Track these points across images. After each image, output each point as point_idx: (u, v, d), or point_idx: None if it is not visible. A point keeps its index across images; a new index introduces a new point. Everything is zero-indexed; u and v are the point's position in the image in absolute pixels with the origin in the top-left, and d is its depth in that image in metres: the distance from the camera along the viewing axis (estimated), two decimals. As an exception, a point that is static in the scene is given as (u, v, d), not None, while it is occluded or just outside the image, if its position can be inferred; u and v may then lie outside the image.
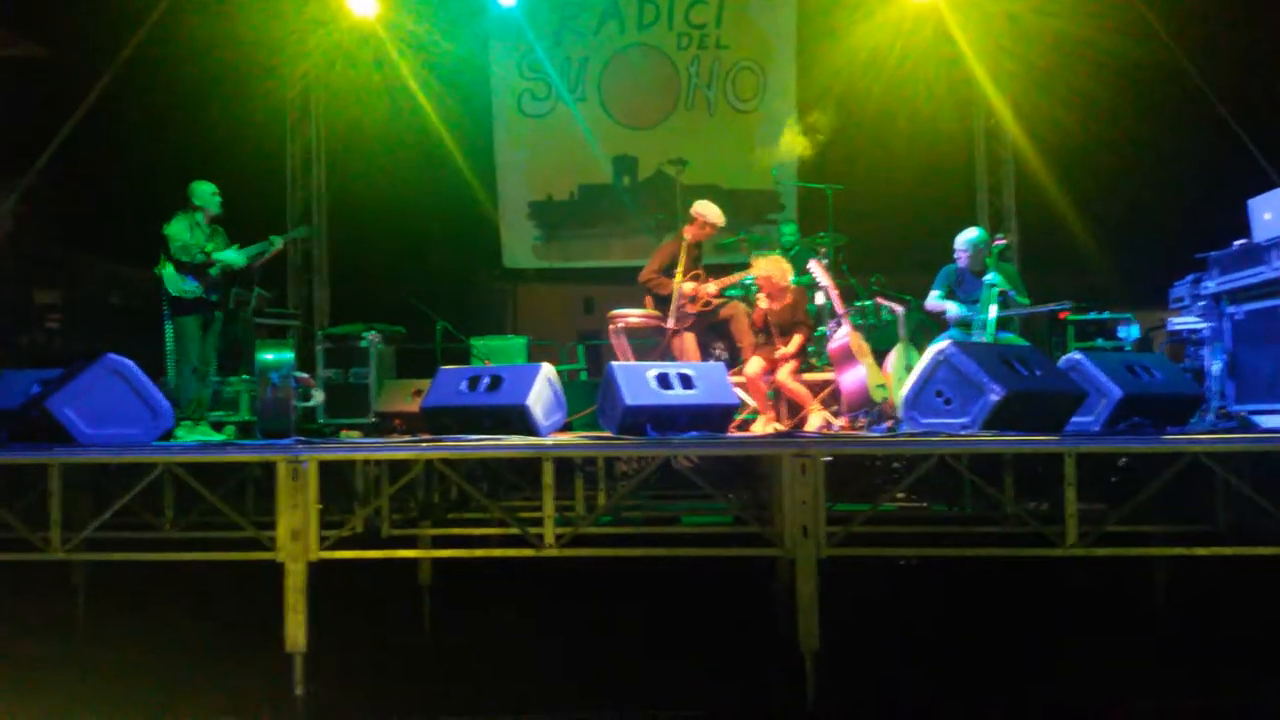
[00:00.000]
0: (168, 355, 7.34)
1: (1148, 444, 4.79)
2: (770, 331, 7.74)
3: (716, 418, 5.47)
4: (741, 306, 7.98)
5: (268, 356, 7.75)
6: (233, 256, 7.43)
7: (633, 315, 8.01)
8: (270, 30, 11.35)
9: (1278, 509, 4.57)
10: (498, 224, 12.44)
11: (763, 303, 7.69)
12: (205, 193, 7.54)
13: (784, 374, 7.54)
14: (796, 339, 7.70)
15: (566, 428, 6.26)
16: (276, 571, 4.55)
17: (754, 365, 7.52)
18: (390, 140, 11.41)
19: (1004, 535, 5.11)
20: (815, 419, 7.48)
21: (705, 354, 7.98)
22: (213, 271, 7.36)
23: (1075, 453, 4.51)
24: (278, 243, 7.65)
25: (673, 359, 7.71)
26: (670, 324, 7.79)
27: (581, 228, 12.46)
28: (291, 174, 11.88)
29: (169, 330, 7.37)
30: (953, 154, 11.44)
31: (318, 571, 4.58)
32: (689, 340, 7.90)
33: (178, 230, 7.37)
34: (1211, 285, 7.08)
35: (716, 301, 7.88)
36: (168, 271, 7.32)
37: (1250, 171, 9.04)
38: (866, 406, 7.17)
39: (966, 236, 7.73)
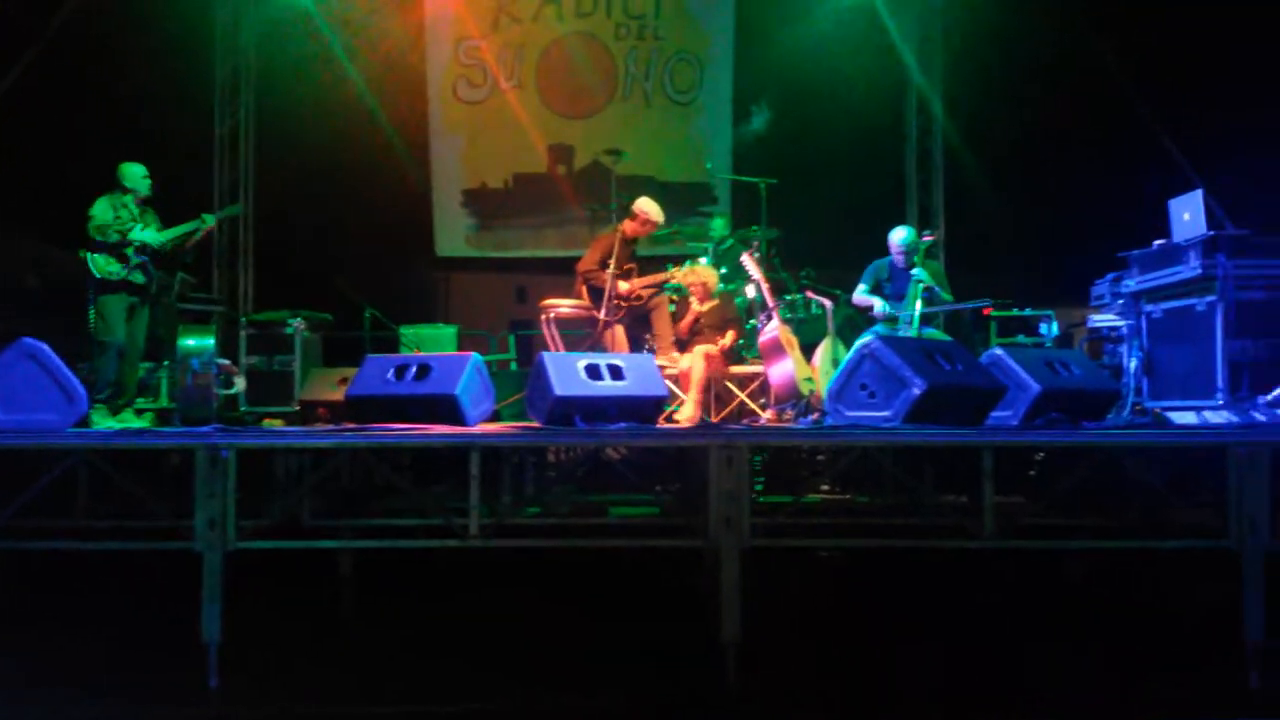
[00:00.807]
0: (92, 337, 7.16)
1: (1064, 438, 4.89)
2: (700, 331, 7.86)
3: (646, 409, 5.48)
4: (664, 299, 8.02)
5: (189, 342, 7.63)
6: (149, 236, 7.26)
7: (564, 305, 7.99)
8: (199, 7, 11.15)
9: (1187, 503, 4.70)
10: (431, 211, 12.33)
11: (695, 305, 7.81)
12: (135, 175, 7.39)
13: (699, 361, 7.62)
14: (730, 334, 7.87)
15: (495, 417, 6.23)
16: (195, 561, 4.48)
17: (698, 358, 7.54)
18: (321, 124, 11.26)
19: (924, 527, 5.18)
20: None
21: (635, 346, 7.99)
22: (128, 251, 7.19)
23: (993, 446, 4.59)
24: (210, 221, 7.52)
25: (603, 350, 7.71)
26: (602, 315, 7.78)
27: (516, 217, 12.40)
28: (219, 154, 11.67)
29: (91, 312, 7.21)
30: (885, 150, 11.61)
31: (236, 561, 4.51)
32: (619, 332, 7.90)
33: (99, 210, 7.23)
34: (1131, 284, 7.25)
35: (646, 294, 7.93)
36: (91, 254, 7.16)
37: (1172, 172, 9.26)
38: (794, 399, 7.24)
39: (897, 236, 7.88)
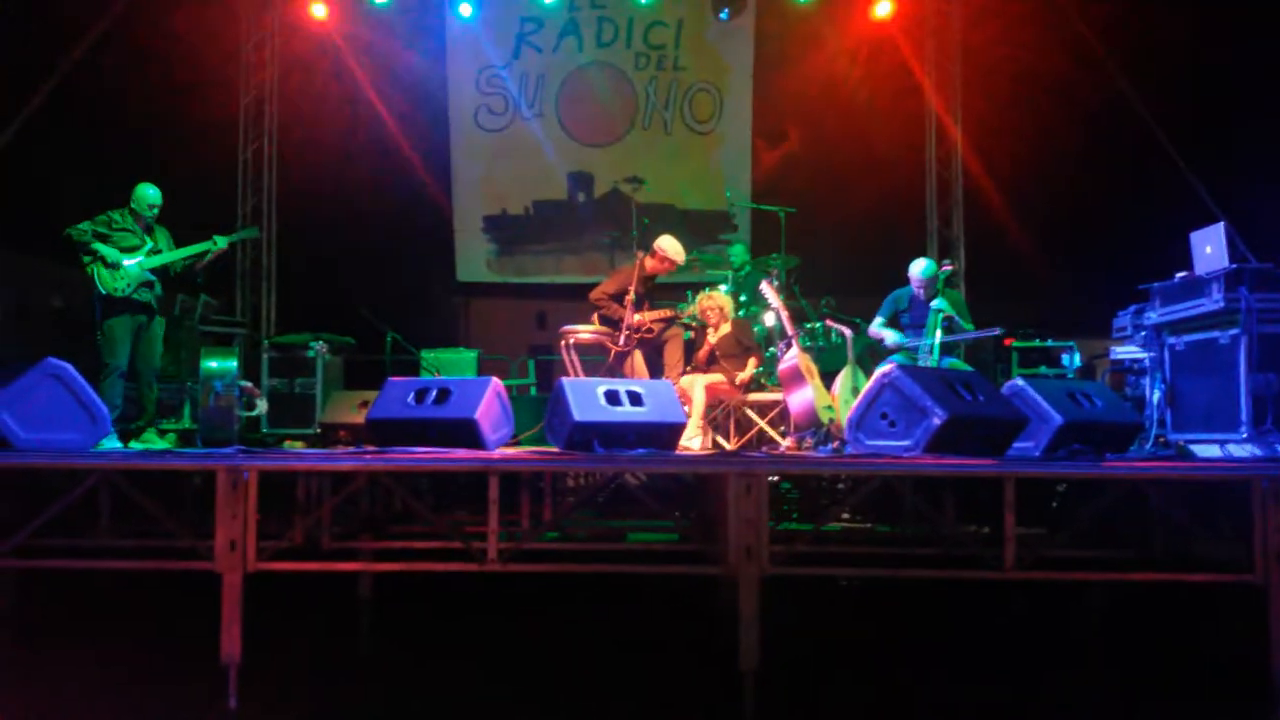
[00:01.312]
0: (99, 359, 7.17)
1: (1087, 470, 4.85)
2: (714, 359, 7.87)
3: (665, 435, 5.46)
4: (677, 331, 8.06)
5: (211, 364, 7.60)
6: (109, 253, 7.17)
7: (583, 331, 8.02)
8: (226, 37, 11.31)
9: (1212, 537, 4.66)
10: (452, 237, 12.41)
11: (712, 336, 7.85)
12: (146, 198, 7.35)
13: (700, 390, 7.60)
14: (752, 360, 7.89)
15: (514, 442, 6.24)
16: (214, 582, 4.49)
17: (697, 387, 7.57)
18: (345, 150, 11.37)
19: (944, 557, 5.15)
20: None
21: (654, 373, 8.01)
22: (125, 271, 7.17)
23: (1015, 477, 4.56)
24: (222, 244, 7.50)
25: (623, 377, 7.73)
26: (620, 344, 7.81)
27: (536, 243, 12.48)
28: (243, 180, 11.78)
29: (99, 335, 7.23)
30: (905, 180, 11.63)
31: (256, 583, 4.52)
32: (638, 359, 7.94)
33: (98, 218, 7.24)
34: (1153, 316, 7.21)
35: (658, 327, 7.98)
36: (97, 269, 7.18)
37: (1194, 205, 9.24)
38: (814, 427, 7.22)
39: (917, 269, 7.88)
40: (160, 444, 7.20)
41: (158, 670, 4.85)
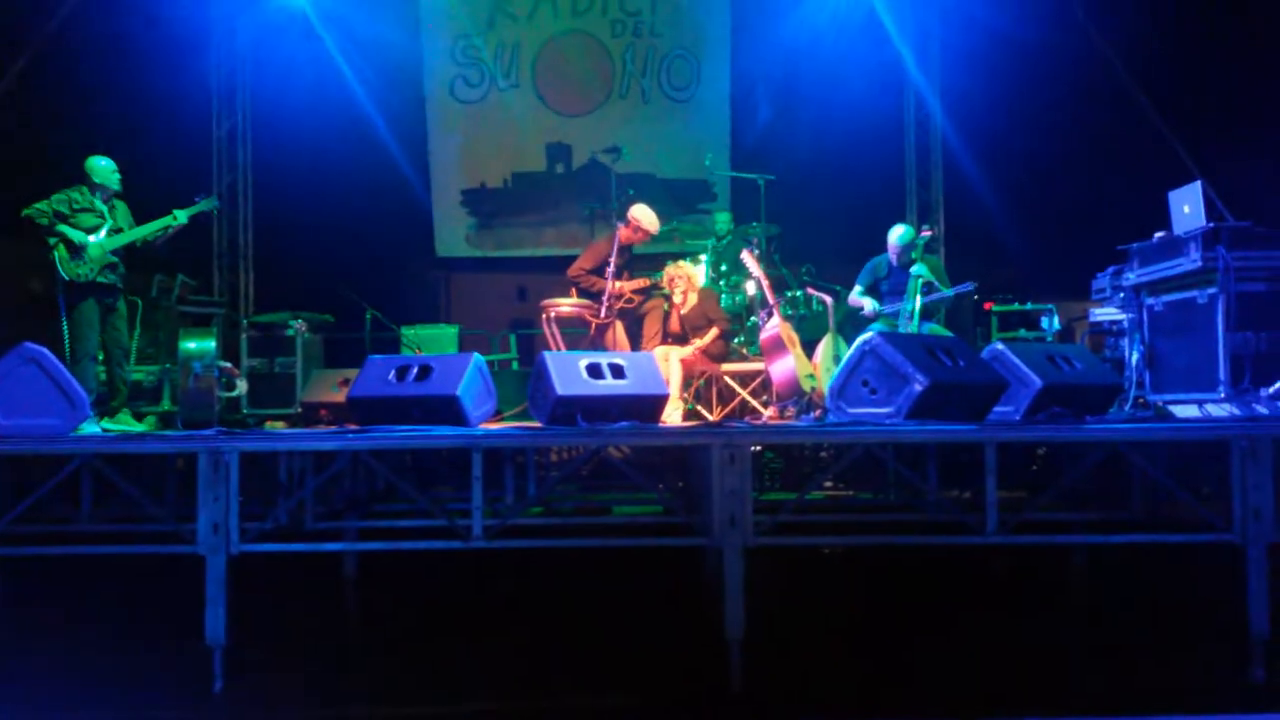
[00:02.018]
0: (65, 344, 7.03)
1: (1067, 433, 4.88)
2: (684, 330, 7.85)
3: (648, 408, 5.46)
4: (658, 302, 8.06)
5: (190, 345, 7.59)
6: (75, 235, 7.05)
7: (564, 305, 7.99)
8: (195, 10, 11.14)
9: (1191, 496, 4.69)
10: (430, 211, 12.34)
11: (679, 299, 7.81)
12: (104, 169, 7.19)
13: (676, 364, 7.60)
14: (713, 331, 7.83)
15: (497, 418, 6.23)
16: (198, 565, 4.48)
17: (672, 362, 7.57)
18: (320, 124, 11.25)
19: (927, 523, 5.19)
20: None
21: (635, 345, 8.00)
22: (88, 254, 7.05)
23: (996, 442, 4.58)
24: (182, 218, 7.30)
25: (604, 349, 7.72)
26: (601, 315, 7.79)
27: (515, 216, 12.42)
28: (217, 155, 11.67)
29: (64, 319, 7.07)
30: (884, 146, 11.59)
31: (240, 565, 4.51)
32: (620, 331, 7.93)
33: (49, 200, 7.10)
34: (1132, 277, 7.24)
35: (639, 298, 7.96)
36: (58, 253, 7.04)
37: (1172, 164, 9.26)
38: (796, 396, 7.23)
39: (895, 235, 7.88)
40: (135, 425, 7.12)
41: (142, 654, 4.85)
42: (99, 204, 7.17)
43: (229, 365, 8.25)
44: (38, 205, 7.03)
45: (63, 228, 7.01)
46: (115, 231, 7.17)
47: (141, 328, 7.63)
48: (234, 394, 8.32)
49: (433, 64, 12.30)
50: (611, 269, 7.74)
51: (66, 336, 7.04)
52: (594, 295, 7.83)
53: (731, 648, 4.37)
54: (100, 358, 7.25)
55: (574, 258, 8.24)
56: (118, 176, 7.24)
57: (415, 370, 5.47)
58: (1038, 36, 10.25)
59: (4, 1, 9.50)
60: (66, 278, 7.01)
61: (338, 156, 11.19)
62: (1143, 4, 9.94)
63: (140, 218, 7.37)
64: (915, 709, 4.24)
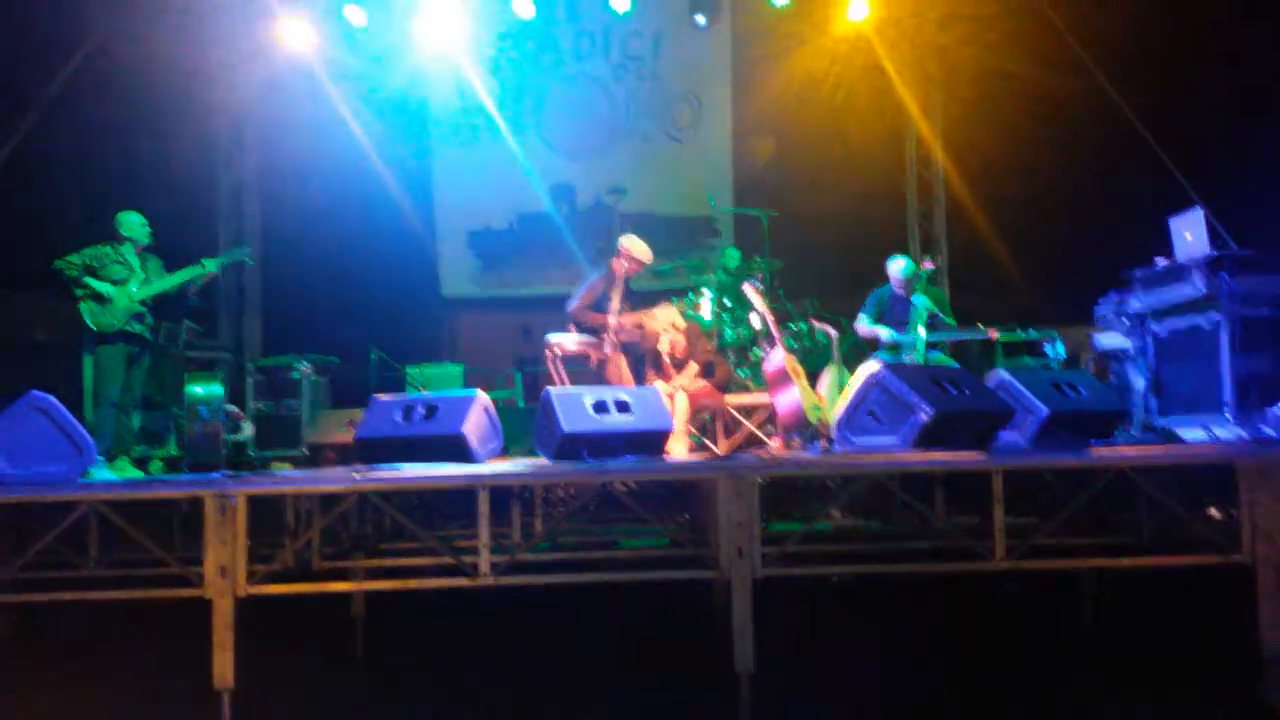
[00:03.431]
0: (85, 390, 7.11)
1: (1073, 459, 4.87)
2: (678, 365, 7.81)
3: (653, 442, 5.48)
4: (655, 341, 8.00)
5: (196, 390, 7.61)
6: (102, 286, 7.17)
7: (569, 342, 8.00)
8: (202, 62, 11.28)
9: (1199, 519, 4.68)
10: (436, 252, 12.41)
11: (664, 346, 7.70)
12: (133, 224, 7.35)
13: (681, 398, 7.55)
14: (692, 367, 7.69)
15: (503, 455, 6.24)
16: (205, 608, 4.47)
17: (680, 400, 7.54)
18: (325, 171, 11.34)
19: (936, 551, 5.17)
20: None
21: (639, 379, 7.99)
22: (119, 306, 7.17)
23: (1003, 469, 4.58)
24: (211, 266, 7.45)
25: (606, 383, 7.71)
26: (606, 350, 7.78)
27: (520, 256, 12.47)
28: (224, 206, 11.76)
29: (87, 364, 7.18)
30: (885, 180, 11.66)
31: (248, 607, 4.51)
32: (624, 365, 7.91)
33: (81, 254, 7.23)
34: (1135, 303, 7.25)
35: (639, 333, 7.93)
36: (86, 305, 7.16)
37: (1172, 190, 9.28)
38: (801, 427, 7.23)
39: (896, 268, 7.90)
40: (134, 473, 7.16)
41: (151, 699, 4.83)
42: (130, 257, 7.31)
43: (235, 409, 8.27)
44: (69, 258, 7.18)
45: (90, 280, 7.14)
46: (146, 283, 7.30)
47: (147, 374, 7.67)
48: (241, 437, 8.33)
49: (437, 109, 12.41)
50: (614, 304, 7.72)
51: (89, 382, 7.13)
52: (594, 332, 7.81)
53: (741, 681, 4.34)
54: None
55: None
56: (148, 230, 7.39)
57: (421, 409, 5.49)
58: (1035, 71, 10.32)
59: (11, 54, 9.62)
60: (94, 328, 7.14)
61: (344, 202, 11.28)
62: (1140, 33, 10.00)
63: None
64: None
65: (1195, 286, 6.61)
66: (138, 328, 7.29)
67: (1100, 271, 7.85)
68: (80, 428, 5.25)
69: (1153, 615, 5.28)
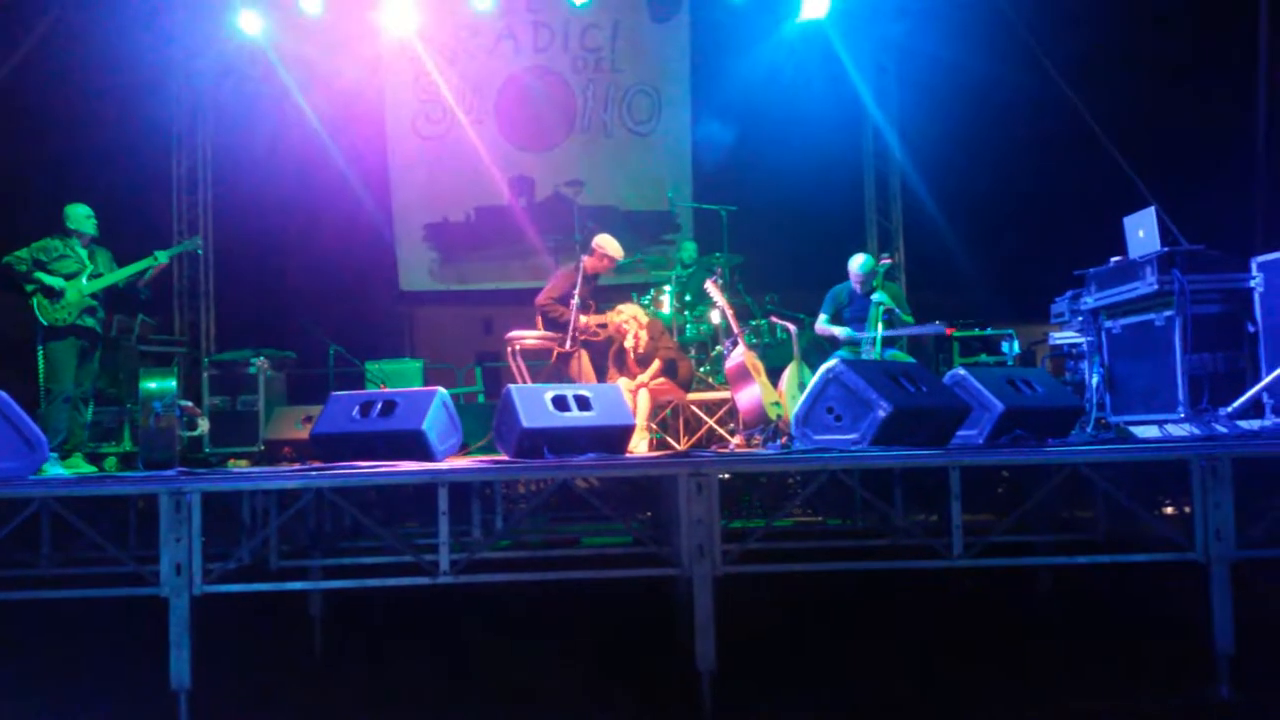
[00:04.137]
0: (41, 385, 7.05)
1: (1029, 456, 4.92)
2: (642, 369, 7.80)
3: (614, 439, 5.47)
4: (622, 337, 8.02)
5: (151, 385, 7.51)
6: (52, 280, 7.09)
7: (530, 337, 7.99)
8: (154, 50, 11.10)
9: (1154, 517, 4.75)
10: (394, 246, 12.31)
11: (631, 342, 7.70)
12: (79, 215, 7.28)
13: (643, 395, 7.55)
14: (655, 364, 7.71)
15: (463, 451, 6.21)
16: (161, 607, 4.40)
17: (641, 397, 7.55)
18: (281, 161, 11.24)
19: (894, 548, 5.21)
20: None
21: (600, 375, 8.00)
22: (70, 298, 7.09)
23: (959, 466, 4.61)
24: (163, 258, 7.41)
25: (569, 380, 7.72)
26: (567, 346, 7.78)
27: (479, 249, 12.42)
28: (177, 194, 11.59)
29: (40, 358, 7.10)
30: (843, 175, 11.73)
31: (204, 606, 4.45)
32: (585, 362, 7.92)
33: (29, 248, 7.12)
34: (1089, 301, 7.35)
35: (603, 333, 7.95)
36: (36, 300, 7.07)
37: (1126, 189, 9.42)
38: (762, 424, 7.26)
39: (856, 264, 7.95)
40: (88, 468, 7.08)
41: (106, 701, 4.75)
42: (78, 250, 7.24)
43: (190, 404, 8.17)
44: (17, 253, 7.12)
45: (40, 274, 7.06)
46: (95, 276, 7.20)
47: (101, 368, 7.57)
48: (196, 433, 8.23)
49: (394, 100, 12.32)
50: (576, 300, 7.73)
51: (41, 377, 7.07)
52: (561, 325, 7.82)
53: (703, 679, 4.35)
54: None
55: (539, 290, 8.25)
56: (94, 222, 7.34)
57: (379, 406, 5.46)
58: (991, 68, 10.42)
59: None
60: (45, 322, 7.08)
61: (299, 193, 11.17)
62: (1094, 32, 10.13)
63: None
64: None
65: (1148, 283, 6.70)
66: (89, 321, 7.22)
67: (1056, 269, 7.95)
68: (32, 424, 5.15)
69: (1110, 611, 5.35)
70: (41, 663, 5.22)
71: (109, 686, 4.86)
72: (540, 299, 8.02)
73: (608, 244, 8.05)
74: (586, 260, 8.02)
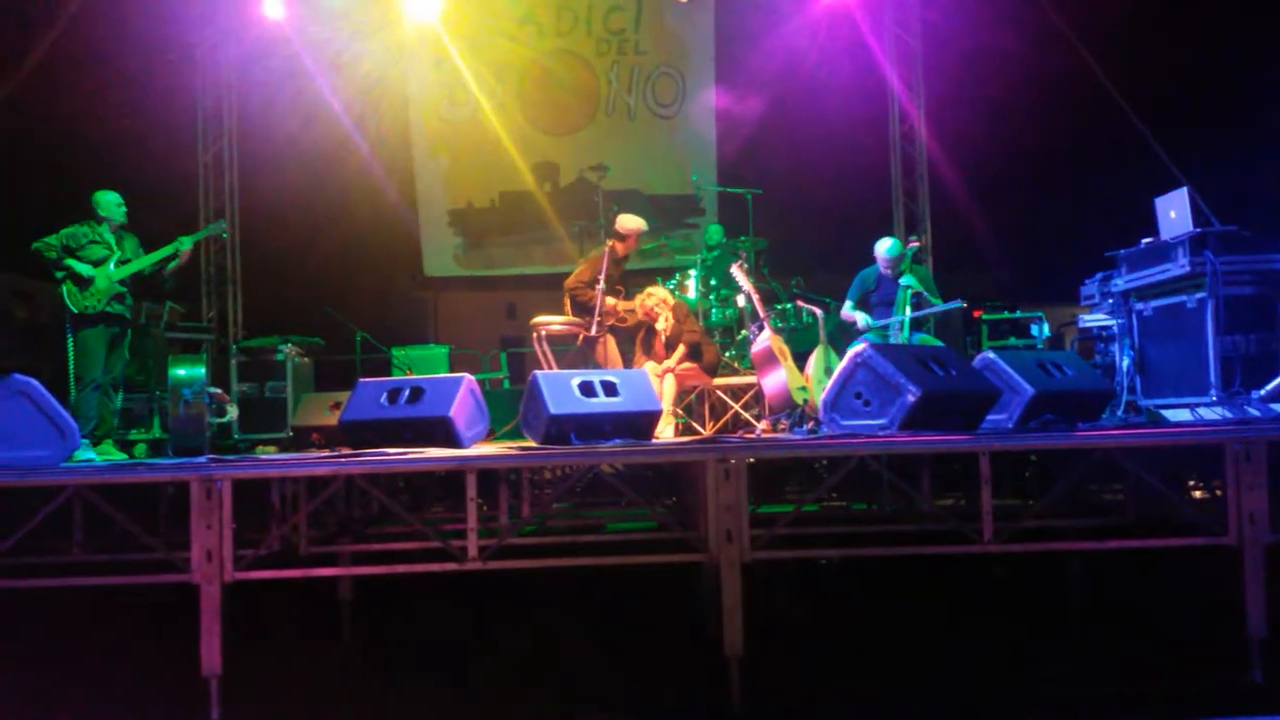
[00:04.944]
0: (71, 372, 7.09)
1: (1060, 441, 4.88)
2: (669, 352, 7.75)
3: (641, 425, 5.46)
4: (653, 320, 8.00)
5: (180, 372, 7.54)
6: (81, 268, 7.14)
7: (555, 323, 7.98)
8: (180, 37, 11.14)
9: (1186, 501, 4.70)
10: (418, 231, 12.33)
11: (662, 325, 7.67)
12: (109, 203, 7.30)
13: (669, 379, 7.52)
14: (681, 349, 7.66)
15: (490, 437, 6.22)
16: (192, 594, 4.44)
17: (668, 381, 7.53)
18: (306, 147, 11.26)
19: (923, 533, 5.18)
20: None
21: (627, 361, 7.98)
22: (99, 286, 7.13)
23: (989, 451, 4.58)
24: (188, 244, 7.41)
25: (595, 365, 7.71)
26: (593, 331, 7.77)
27: (503, 235, 12.42)
28: (204, 183, 11.64)
29: (70, 345, 7.14)
30: (869, 158, 11.63)
31: (235, 592, 4.48)
32: (612, 346, 7.91)
33: (59, 234, 7.17)
34: (1120, 283, 7.25)
35: (630, 318, 7.94)
36: (66, 287, 7.11)
37: (1157, 170, 9.30)
38: (789, 409, 7.23)
39: (883, 248, 7.88)
40: (118, 455, 7.13)
41: (139, 687, 4.80)
42: (107, 236, 7.27)
43: (219, 391, 8.21)
44: (47, 239, 7.14)
45: (70, 261, 7.11)
46: (123, 263, 7.24)
47: (130, 355, 7.62)
48: (225, 420, 8.27)
49: (418, 85, 12.31)
50: (602, 284, 7.71)
51: (71, 364, 7.11)
52: (589, 309, 7.79)
53: (731, 664, 4.35)
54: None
55: (563, 275, 8.26)
56: (123, 209, 7.36)
57: (407, 393, 5.46)
58: (1019, 48, 10.30)
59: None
60: (75, 310, 7.11)
61: (324, 179, 11.20)
62: (1123, 11, 9.99)
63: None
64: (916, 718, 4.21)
65: (1179, 265, 6.60)
66: (118, 308, 7.25)
67: (1086, 251, 7.86)
68: (63, 411, 5.19)
69: (1141, 595, 5.31)
70: (75, 649, 5.28)
71: (141, 672, 4.92)
72: (570, 281, 8.02)
73: (629, 221, 8.07)
74: (618, 245, 8.03)
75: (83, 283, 7.10)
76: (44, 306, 7.73)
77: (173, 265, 7.43)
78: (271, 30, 11.30)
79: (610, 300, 7.82)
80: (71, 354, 7.14)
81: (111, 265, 7.19)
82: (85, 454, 6.77)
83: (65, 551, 5.48)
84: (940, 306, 7.77)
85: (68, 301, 7.10)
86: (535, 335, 7.94)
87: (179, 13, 11.08)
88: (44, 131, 9.91)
